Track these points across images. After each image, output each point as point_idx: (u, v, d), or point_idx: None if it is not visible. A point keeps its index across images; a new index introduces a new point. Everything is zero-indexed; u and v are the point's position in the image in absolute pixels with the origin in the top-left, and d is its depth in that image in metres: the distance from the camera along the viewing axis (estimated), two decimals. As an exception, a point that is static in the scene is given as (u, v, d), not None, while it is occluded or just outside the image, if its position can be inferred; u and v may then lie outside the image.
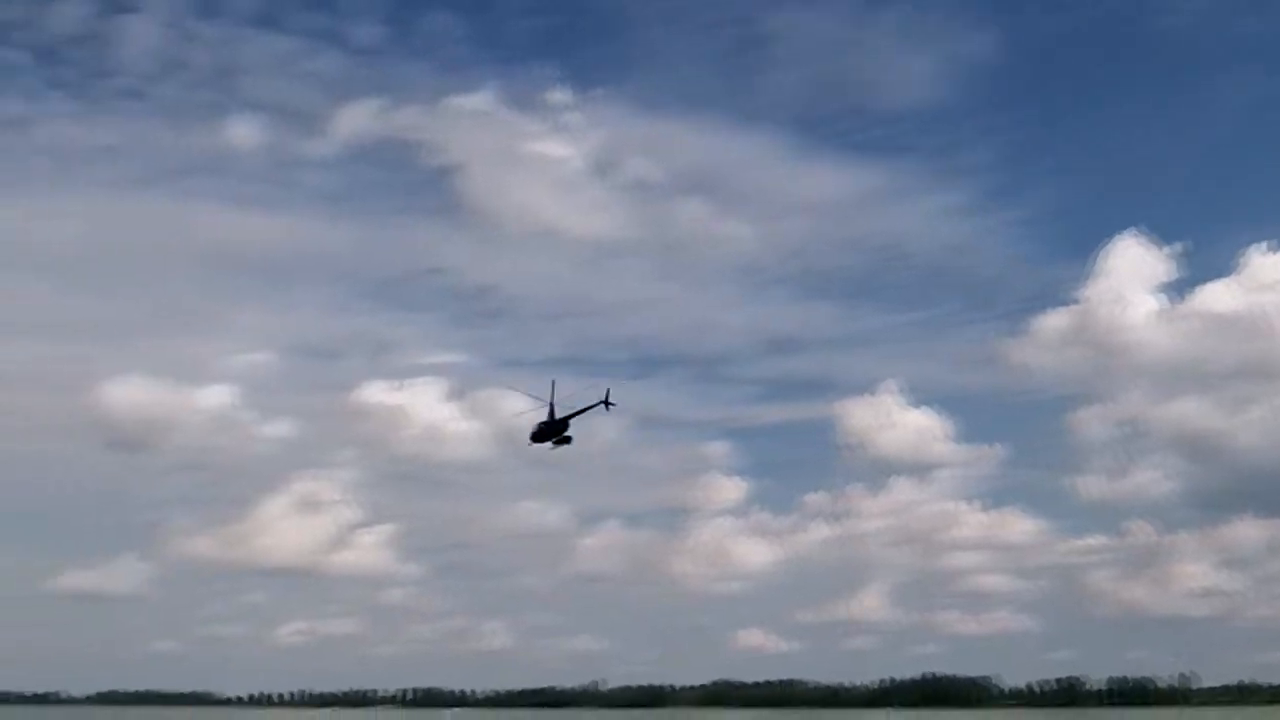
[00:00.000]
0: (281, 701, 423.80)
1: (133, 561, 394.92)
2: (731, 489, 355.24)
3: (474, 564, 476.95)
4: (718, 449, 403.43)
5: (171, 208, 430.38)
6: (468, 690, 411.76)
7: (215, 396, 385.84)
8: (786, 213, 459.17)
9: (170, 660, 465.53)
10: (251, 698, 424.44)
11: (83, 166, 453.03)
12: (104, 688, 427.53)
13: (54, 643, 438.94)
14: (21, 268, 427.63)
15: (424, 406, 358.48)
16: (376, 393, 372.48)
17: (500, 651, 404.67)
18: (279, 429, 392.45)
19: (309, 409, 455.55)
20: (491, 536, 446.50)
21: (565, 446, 38.23)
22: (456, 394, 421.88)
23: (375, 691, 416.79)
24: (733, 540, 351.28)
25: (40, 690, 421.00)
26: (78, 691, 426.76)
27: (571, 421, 38.30)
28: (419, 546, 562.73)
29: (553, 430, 36.80)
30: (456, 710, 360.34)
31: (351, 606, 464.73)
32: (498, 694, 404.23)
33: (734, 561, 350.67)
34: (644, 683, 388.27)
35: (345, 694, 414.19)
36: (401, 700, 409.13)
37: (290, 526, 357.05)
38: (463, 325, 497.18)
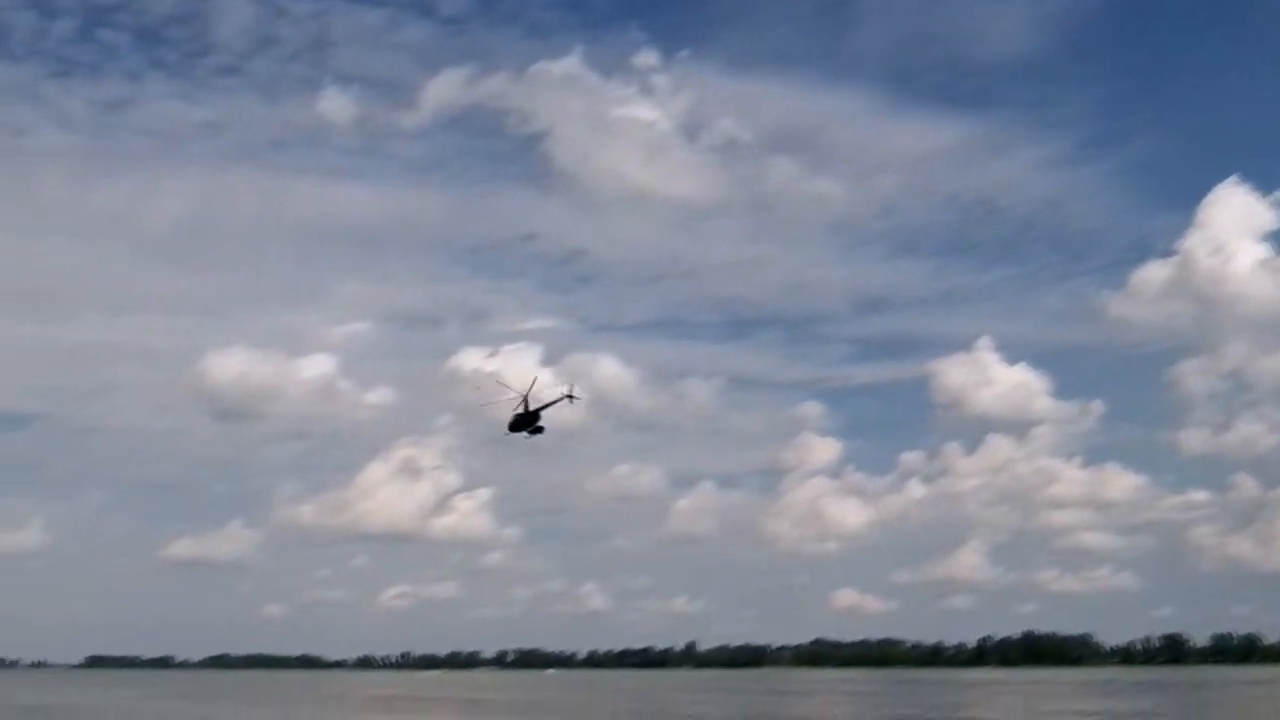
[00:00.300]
0: (386, 664, 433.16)
1: (240, 529, 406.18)
2: (825, 450, 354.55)
3: (570, 528, 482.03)
4: (811, 410, 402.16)
5: (269, 182, 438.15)
6: (567, 651, 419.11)
7: (316, 366, 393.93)
8: (878, 169, 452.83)
9: (279, 624, 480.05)
10: (358, 660, 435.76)
11: (183, 144, 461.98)
12: (216, 651, 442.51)
13: (168, 609, 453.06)
14: (127, 245, 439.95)
15: (518, 372, 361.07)
16: (471, 359, 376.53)
17: (598, 613, 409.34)
18: (378, 397, 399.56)
19: (406, 376, 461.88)
20: (587, 500, 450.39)
21: (539, 435, 42.94)
22: (550, 359, 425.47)
23: (477, 653, 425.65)
24: (827, 501, 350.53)
25: (156, 655, 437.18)
26: (192, 655, 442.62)
27: (542, 413, 42.48)
28: (516, 511, 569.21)
29: (527, 420, 40.65)
30: (555, 670, 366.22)
31: (452, 570, 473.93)
32: (596, 654, 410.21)
33: (829, 522, 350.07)
34: (741, 643, 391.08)
35: (448, 656, 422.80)
36: (503, 661, 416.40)
37: (391, 492, 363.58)
38: (555, 290, 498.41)
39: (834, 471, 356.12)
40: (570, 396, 43.41)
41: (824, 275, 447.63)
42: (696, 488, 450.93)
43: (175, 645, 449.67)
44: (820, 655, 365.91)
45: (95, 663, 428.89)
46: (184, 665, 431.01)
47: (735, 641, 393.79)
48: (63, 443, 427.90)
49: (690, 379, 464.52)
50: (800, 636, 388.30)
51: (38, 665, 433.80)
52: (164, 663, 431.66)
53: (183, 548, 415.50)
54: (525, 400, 36.25)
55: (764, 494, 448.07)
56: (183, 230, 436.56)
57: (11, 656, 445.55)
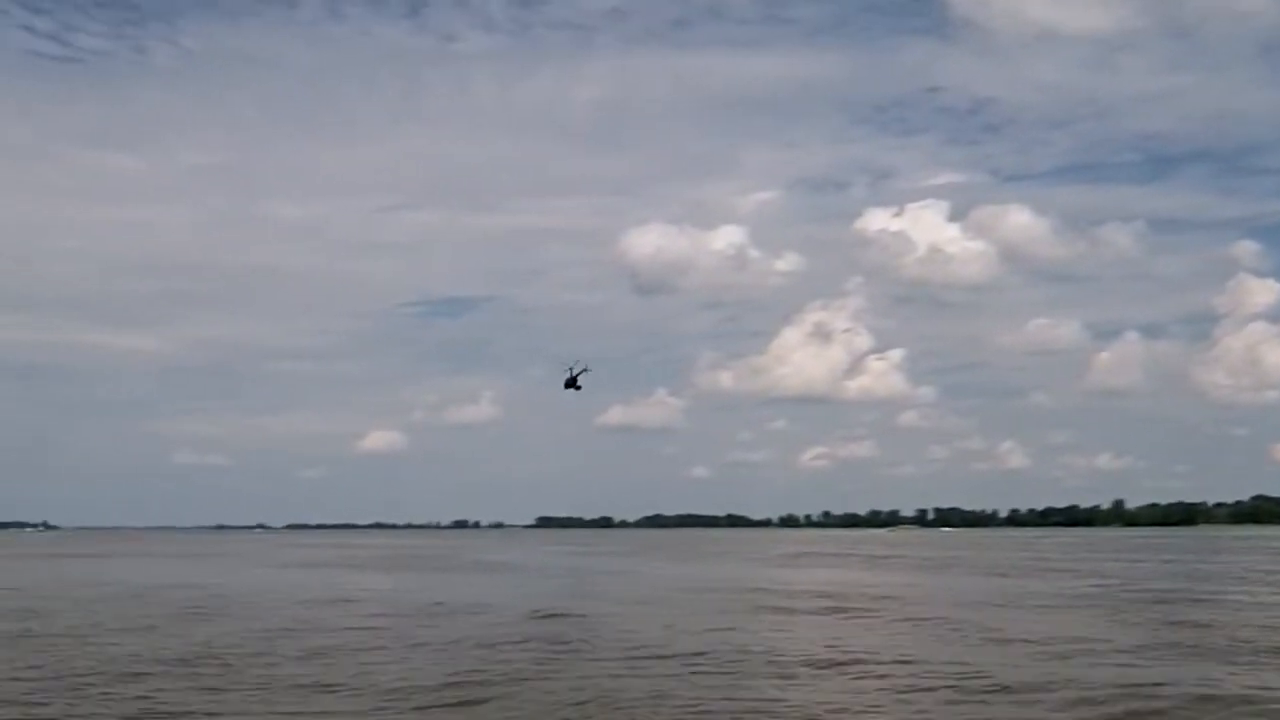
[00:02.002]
0: (808, 522, 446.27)
1: (666, 396, 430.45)
2: (1264, 291, 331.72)
3: (986, 384, 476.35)
4: (1246, 249, 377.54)
5: (675, 61, 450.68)
6: (987, 509, 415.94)
7: (726, 237, 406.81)
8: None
9: (705, 486, 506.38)
10: (780, 519, 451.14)
11: (593, 33, 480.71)
12: (650, 512, 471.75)
13: (606, 473, 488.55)
14: (548, 132, 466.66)
15: (926, 229, 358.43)
16: (878, 219, 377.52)
17: (1017, 471, 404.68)
18: (787, 263, 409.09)
19: (815, 241, 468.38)
20: (1002, 355, 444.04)
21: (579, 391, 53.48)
22: (957, 214, 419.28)
23: (896, 511, 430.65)
24: (1268, 347, 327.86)
25: (597, 515, 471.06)
26: (628, 516, 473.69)
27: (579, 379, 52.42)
28: (930, 369, 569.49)
29: (572, 383, 50.15)
30: (950, 529, 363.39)
31: (868, 430, 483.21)
32: (1017, 513, 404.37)
33: (1270, 370, 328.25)
34: (1172, 500, 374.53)
35: (868, 514, 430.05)
36: (923, 520, 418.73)
37: (805, 356, 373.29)
38: (961, 143, 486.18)
39: (1274, 315, 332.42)
40: (585, 369, 54.71)
41: (1256, 101, 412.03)
42: (1119, 339, 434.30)
43: (614, 507, 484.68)
44: (1261, 512, 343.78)
45: (544, 523, 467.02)
46: (622, 525, 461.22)
47: (1166, 499, 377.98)
48: (506, 322, 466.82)
49: (1108, 224, 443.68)
50: (1238, 493, 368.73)
51: (496, 526, 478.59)
52: (605, 523, 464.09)
53: (615, 415, 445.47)
54: (570, 369, 48.58)
55: (1194, 342, 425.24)
56: (598, 115, 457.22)
57: (473, 518, 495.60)
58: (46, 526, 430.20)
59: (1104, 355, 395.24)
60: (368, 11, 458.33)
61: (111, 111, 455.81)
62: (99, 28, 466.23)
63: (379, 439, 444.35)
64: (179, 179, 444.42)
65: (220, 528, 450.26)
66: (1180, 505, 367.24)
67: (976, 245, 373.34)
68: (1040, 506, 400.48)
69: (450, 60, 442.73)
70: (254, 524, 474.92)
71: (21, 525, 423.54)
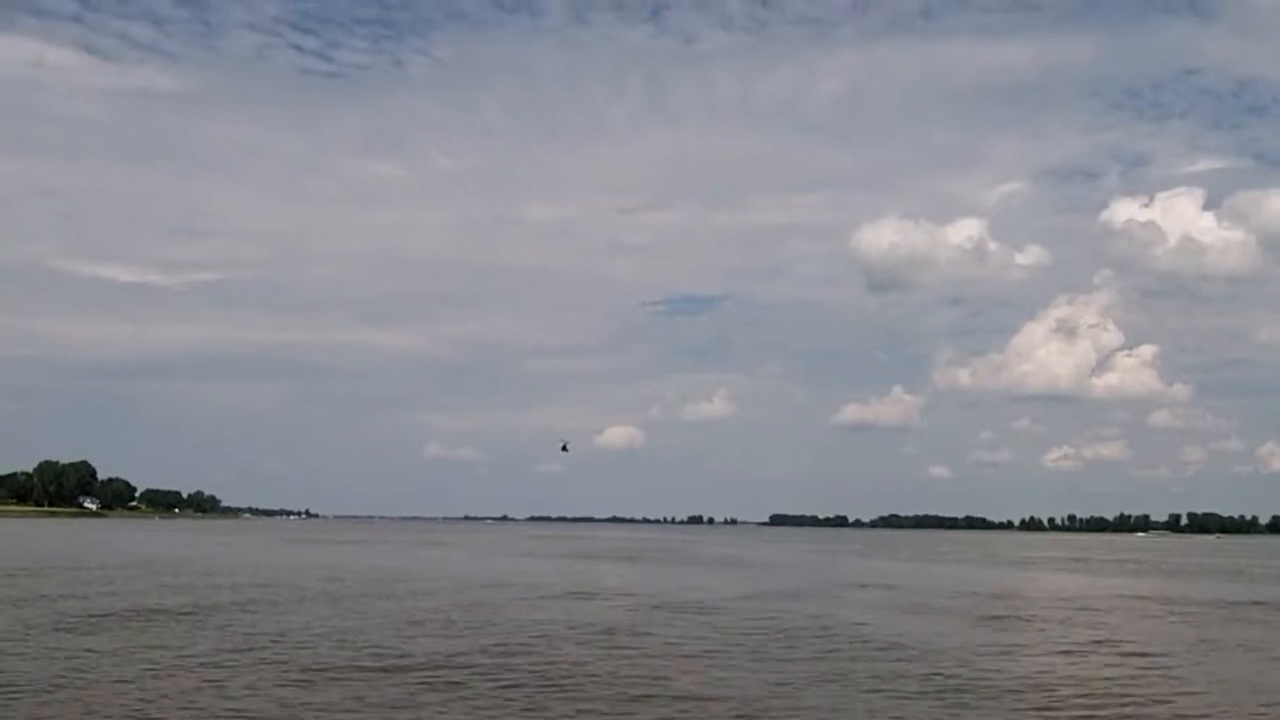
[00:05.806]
0: (1052, 525, 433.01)
1: (903, 394, 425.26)
2: None
3: (1247, 382, 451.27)
4: None
5: (919, 51, 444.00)
6: (1247, 515, 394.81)
7: (965, 231, 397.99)
8: None
9: (944, 486, 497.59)
10: (1022, 522, 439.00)
11: (833, 27, 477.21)
12: (886, 512, 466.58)
13: (841, 471, 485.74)
14: (788, 128, 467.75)
15: (1179, 219, 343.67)
16: (1126, 210, 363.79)
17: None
18: (1030, 257, 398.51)
19: (1059, 233, 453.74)
20: (1265, 351, 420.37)
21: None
22: (1213, 202, 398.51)
23: (1146, 516, 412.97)
24: None
25: (832, 514, 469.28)
26: (864, 516, 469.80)
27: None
28: (1185, 366, 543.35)
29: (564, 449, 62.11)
30: (1144, 534, 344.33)
31: (1117, 430, 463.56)
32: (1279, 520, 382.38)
33: None
34: None
35: (1116, 519, 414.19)
36: (1175, 525, 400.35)
37: (1050, 353, 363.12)
38: (1221, 127, 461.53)
39: None
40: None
41: None
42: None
43: (848, 506, 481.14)
44: None
45: (777, 520, 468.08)
46: (857, 525, 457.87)
47: None
48: (743, 319, 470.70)
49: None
50: None
51: (729, 522, 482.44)
52: (839, 521, 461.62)
53: (851, 413, 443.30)
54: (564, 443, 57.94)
55: None
56: (840, 108, 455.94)
57: (707, 514, 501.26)
58: (308, 515, 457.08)
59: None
60: (611, 16, 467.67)
61: (372, 121, 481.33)
62: (360, 43, 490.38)
63: (618, 434, 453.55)
64: (435, 183, 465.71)
65: (467, 519, 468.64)
66: None
67: (1235, 234, 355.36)
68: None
69: (691, 60, 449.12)
70: (499, 515, 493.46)
71: (286, 513, 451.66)
